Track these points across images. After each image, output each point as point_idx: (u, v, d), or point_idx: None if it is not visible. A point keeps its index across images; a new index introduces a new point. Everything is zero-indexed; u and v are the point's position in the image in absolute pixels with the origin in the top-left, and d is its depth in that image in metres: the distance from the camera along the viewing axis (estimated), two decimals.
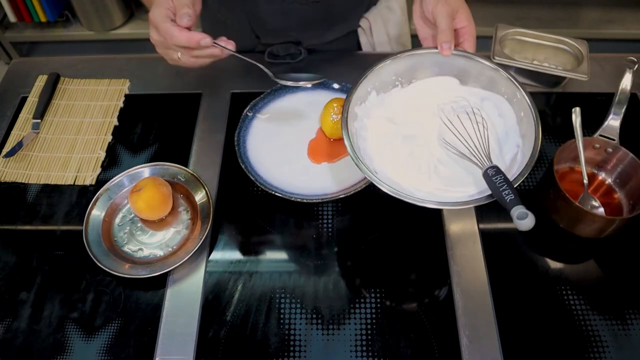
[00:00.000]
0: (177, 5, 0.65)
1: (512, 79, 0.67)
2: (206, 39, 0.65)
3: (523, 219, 0.52)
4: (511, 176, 0.59)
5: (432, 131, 0.68)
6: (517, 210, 0.52)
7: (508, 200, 0.54)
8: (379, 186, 0.60)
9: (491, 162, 0.59)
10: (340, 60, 0.98)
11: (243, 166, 0.78)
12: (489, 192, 0.58)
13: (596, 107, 0.87)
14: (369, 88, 0.70)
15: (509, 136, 0.66)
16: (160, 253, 0.73)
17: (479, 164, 0.60)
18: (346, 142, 0.63)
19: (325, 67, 0.97)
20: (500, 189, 0.55)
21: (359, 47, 1.02)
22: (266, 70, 0.71)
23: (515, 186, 0.56)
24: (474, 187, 0.62)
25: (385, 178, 0.62)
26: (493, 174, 0.57)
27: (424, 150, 0.67)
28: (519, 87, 0.66)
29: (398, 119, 0.70)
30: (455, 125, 0.65)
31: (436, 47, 0.67)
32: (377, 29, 0.99)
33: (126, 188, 0.78)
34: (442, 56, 0.68)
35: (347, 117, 0.65)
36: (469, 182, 0.63)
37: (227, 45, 0.68)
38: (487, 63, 0.68)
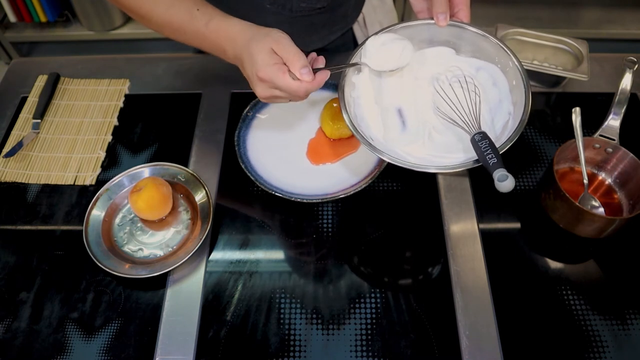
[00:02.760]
0: (283, 56, 0.61)
1: (505, 49, 0.68)
2: (327, 73, 0.62)
3: (503, 181, 0.54)
4: (500, 142, 0.61)
5: (426, 100, 0.69)
6: (498, 173, 0.55)
7: (491, 164, 0.56)
8: (375, 153, 0.62)
9: (480, 129, 0.61)
10: (340, 60, 0.98)
11: (243, 166, 0.78)
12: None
13: (596, 107, 0.87)
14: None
15: (502, 104, 0.67)
16: (160, 253, 0.73)
17: (468, 131, 0.62)
18: (343, 112, 0.64)
19: None
20: (485, 153, 0.58)
21: (355, 41, 1.03)
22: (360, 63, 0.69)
23: (502, 152, 0.59)
24: (464, 154, 0.65)
25: (381, 145, 0.64)
26: (479, 139, 0.59)
27: (419, 118, 0.68)
28: (512, 56, 0.67)
29: (394, 88, 0.71)
30: (447, 94, 0.66)
31: (432, 19, 0.68)
32: (370, 20, 1.00)
33: (126, 188, 0.78)
34: (438, 27, 0.68)
35: (344, 85, 0.66)
36: (460, 149, 0.65)
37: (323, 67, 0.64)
38: (481, 33, 0.69)
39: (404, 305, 0.69)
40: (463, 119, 0.63)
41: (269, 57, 0.60)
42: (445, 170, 0.63)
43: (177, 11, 0.66)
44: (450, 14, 0.67)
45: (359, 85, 0.69)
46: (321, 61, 0.64)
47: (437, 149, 0.66)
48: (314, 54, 0.65)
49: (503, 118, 0.66)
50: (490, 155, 0.57)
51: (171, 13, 0.67)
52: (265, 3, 0.83)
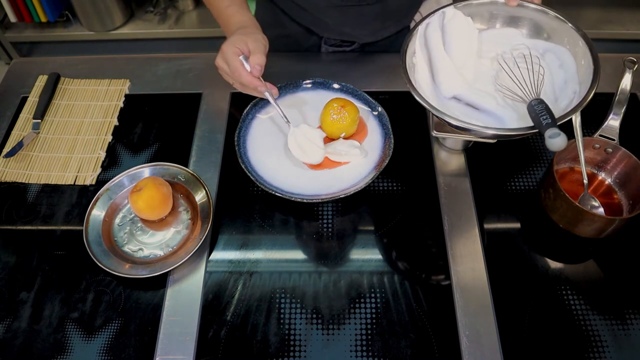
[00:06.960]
0: (252, 50, 0.75)
1: (576, 29, 0.70)
2: (262, 88, 0.76)
3: (554, 138, 0.55)
4: (564, 115, 0.62)
5: (488, 76, 0.72)
6: (550, 132, 0.56)
7: (544, 124, 0.58)
8: (436, 114, 0.65)
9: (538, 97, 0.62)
10: (342, 60, 0.98)
11: (243, 166, 0.78)
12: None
13: (596, 107, 0.86)
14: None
15: (568, 85, 0.69)
16: (160, 253, 0.73)
17: (527, 100, 0.63)
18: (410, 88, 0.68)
19: (327, 68, 0.97)
20: (539, 115, 0.59)
21: None
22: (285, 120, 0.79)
23: (562, 121, 0.59)
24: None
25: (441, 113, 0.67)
26: (536, 104, 0.61)
27: (484, 94, 0.70)
28: (582, 35, 0.69)
29: (450, 75, 0.73)
30: (511, 69, 0.69)
31: None
32: None
33: (126, 188, 0.78)
34: (509, 7, 0.72)
35: (406, 66, 0.70)
36: (522, 124, 0.66)
37: (272, 92, 0.78)
38: (552, 13, 0.71)
39: (404, 305, 0.69)
40: (523, 91, 0.64)
41: (240, 42, 0.75)
42: (502, 132, 0.63)
43: None
44: None
45: (419, 67, 0.72)
46: (275, 90, 0.79)
47: (496, 123, 0.67)
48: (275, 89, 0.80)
49: (568, 97, 0.67)
50: (544, 117, 0.58)
51: None
52: None
